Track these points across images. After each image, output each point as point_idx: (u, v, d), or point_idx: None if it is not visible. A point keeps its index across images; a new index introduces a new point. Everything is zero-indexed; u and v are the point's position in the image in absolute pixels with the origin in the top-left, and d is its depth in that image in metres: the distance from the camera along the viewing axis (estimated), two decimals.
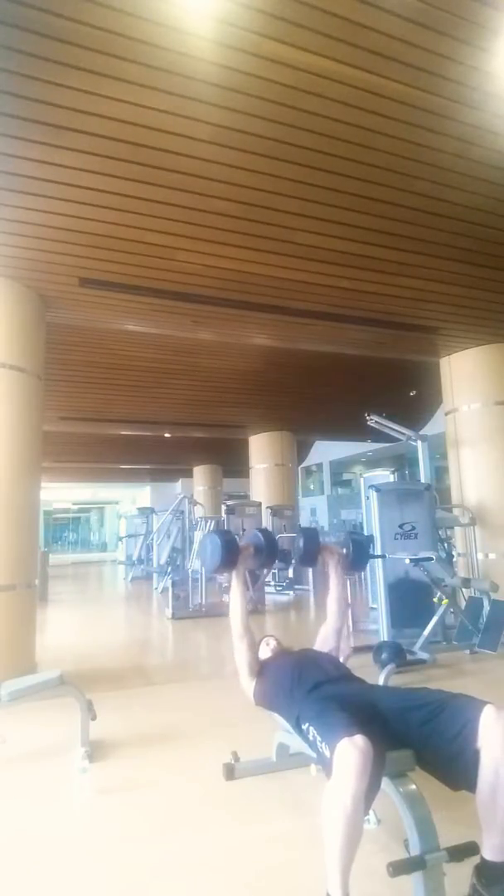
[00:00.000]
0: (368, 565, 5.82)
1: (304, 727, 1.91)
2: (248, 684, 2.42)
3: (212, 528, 8.65)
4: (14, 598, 4.18)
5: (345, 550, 2.74)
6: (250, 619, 2.54)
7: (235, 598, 2.52)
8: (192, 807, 2.36)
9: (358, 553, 2.74)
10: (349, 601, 2.83)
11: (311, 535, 2.72)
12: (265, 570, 9.28)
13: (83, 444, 12.15)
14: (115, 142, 3.02)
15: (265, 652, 2.56)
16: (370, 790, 1.55)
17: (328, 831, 1.50)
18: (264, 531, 2.74)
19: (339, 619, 2.62)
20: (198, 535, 8.99)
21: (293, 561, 9.60)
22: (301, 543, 2.67)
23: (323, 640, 2.58)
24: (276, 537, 2.80)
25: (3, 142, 2.95)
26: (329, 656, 2.40)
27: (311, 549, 2.65)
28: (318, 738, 1.74)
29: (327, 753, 1.62)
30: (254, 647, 2.48)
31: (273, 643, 2.61)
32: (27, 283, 4.38)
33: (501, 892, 1.57)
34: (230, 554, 2.49)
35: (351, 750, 1.52)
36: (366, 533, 5.62)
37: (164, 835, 2.14)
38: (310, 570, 10.16)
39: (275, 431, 11.16)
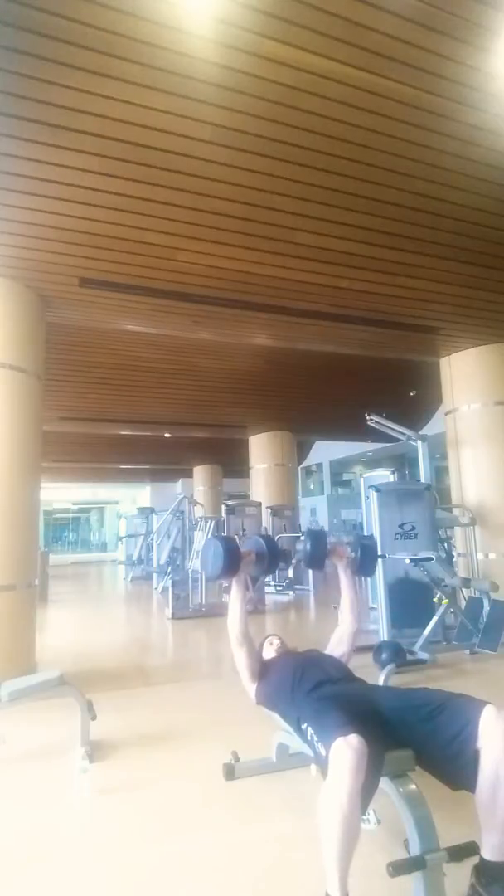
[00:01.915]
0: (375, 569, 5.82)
1: (303, 727, 1.92)
2: (250, 687, 2.42)
3: (212, 528, 8.66)
4: (14, 598, 4.18)
5: (353, 554, 2.70)
6: (249, 624, 2.48)
7: (235, 605, 2.46)
8: (192, 807, 2.36)
9: (366, 557, 2.71)
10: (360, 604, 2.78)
11: (319, 536, 2.68)
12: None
13: (83, 444, 12.15)
14: (115, 142, 3.02)
15: (269, 651, 2.56)
16: (367, 789, 1.55)
17: (325, 831, 1.51)
18: (266, 536, 2.70)
19: (353, 623, 2.58)
20: (198, 535, 8.99)
21: (294, 560, 9.58)
22: (308, 547, 2.62)
23: (336, 644, 2.56)
24: (277, 539, 2.79)
25: (3, 142, 2.95)
26: (331, 658, 2.40)
27: (318, 553, 2.61)
28: (315, 738, 1.75)
29: (323, 753, 1.62)
30: (253, 652, 2.46)
31: (277, 642, 2.60)
32: (27, 283, 4.38)
33: (501, 892, 1.57)
34: (232, 560, 2.43)
35: (345, 749, 1.52)
36: (366, 533, 5.62)
37: (164, 835, 2.14)
38: (310, 570, 10.18)
39: (275, 431, 11.15)
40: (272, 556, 2.58)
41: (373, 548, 2.81)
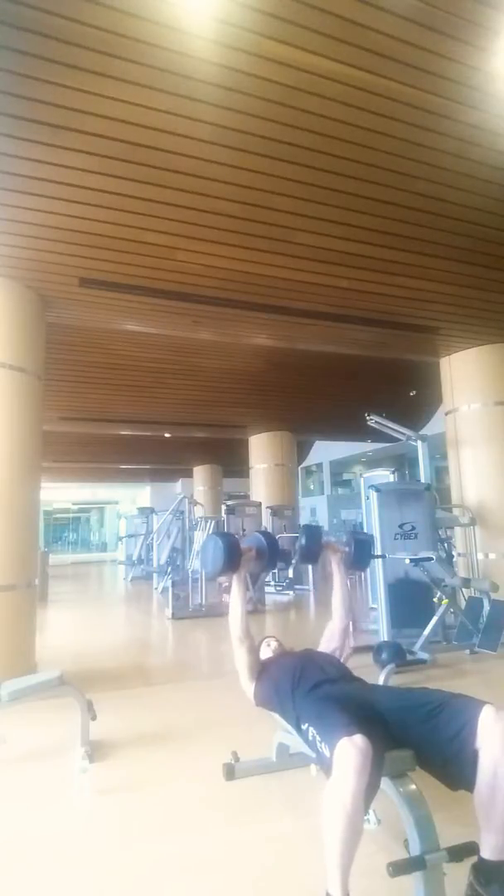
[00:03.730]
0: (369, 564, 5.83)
1: (303, 727, 1.91)
2: (248, 686, 2.42)
3: (212, 528, 8.65)
4: (14, 598, 4.18)
5: (347, 549, 2.74)
6: (250, 622, 2.48)
7: (235, 602, 2.45)
8: (192, 807, 2.36)
9: (360, 552, 2.74)
10: (352, 600, 2.81)
11: (314, 532, 2.71)
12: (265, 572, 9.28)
13: (83, 444, 12.15)
14: (115, 142, 3.02)
15: (266, 652, 2.56)
16: (369, 790, 1.55)
17: (328, 830, 1.51)
18: (265, 533, 2.71)
19: (344, 618, 2.62)
20: (198, 535, 8.99)
21: (294, 560, 9.59)
22: (303, 541, 2.65)
23: (328, 639, 2.59)
24: (277, 538, 2.79)
25: (3, 142, 2.95)
26: (330, 657, 2.40)
27: (314, 547, 2.64)
28: (318, 738, 1.75)
29: (327, 753, 1.62)
30: (254, 650, 2.46)
31: (274, 644, 2.61)
32: (27, 283, 4.38)
33: (499, 891, 1.57)
34: (232, 557, 2.42)
35: (350, 749, 1.52)
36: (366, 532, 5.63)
37: (163, 835, 2.14)
38: (310, 570, 10.17)
39: (275, 431, 11.16)
40: (272, 553, 2.57)
41: (367, 543, 2.83)
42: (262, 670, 2.41)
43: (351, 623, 2.78)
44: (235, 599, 2.46)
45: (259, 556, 2.57)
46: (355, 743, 1.53)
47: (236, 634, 2.41)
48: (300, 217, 3.75)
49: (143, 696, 4.00)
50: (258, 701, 2.38)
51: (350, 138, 3.12)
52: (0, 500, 4.16)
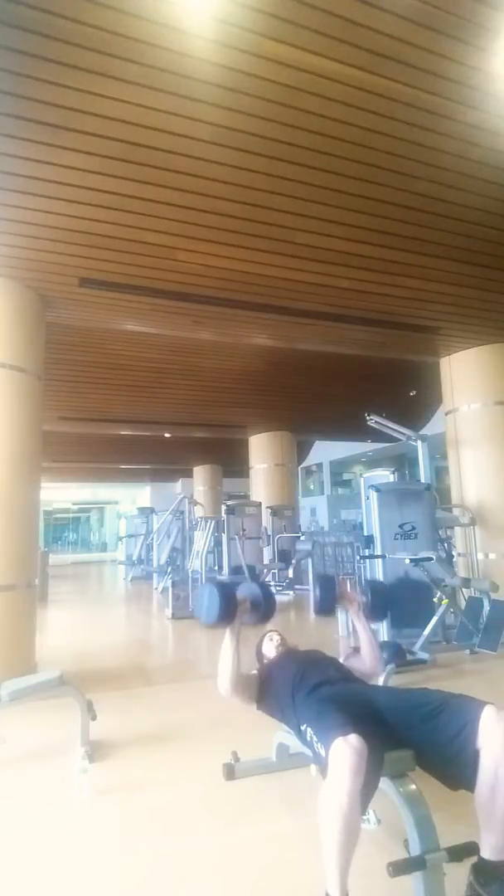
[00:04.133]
0: (368, 565, 5.83)
1: (302, 728, 1.92)
2: (250, 707, 2.38)
3: (212, 527, 8.65)
4: (14, 598, 4.18)
5: (364, 598, 2.66)
6: (240, 670, 2.33)
7: (227, 655, 2.29)
8: (192, 807, 2.36)
9: (377, 601, 2.67)
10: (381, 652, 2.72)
11: (328, 584, 2.62)
12: (265, 572, 9.27)
13: (83, 444, 12.15)
14: (115, 142, 3.02)
15: (269, 648, 2.55)
16: (367, 789, 1.55)
17: (325, 830, 1.51)
18: (262, 584, 2.59)
19: (374, 668, 2.51)
20: (198, 535, 8.99)
21: (293, 562, 9.53)
22: (317, 593, 2.59)
23: (352, 669, 2.46)
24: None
25: (3, 142, 2.95)
26: (331, 658, 2.39)
27: (328, 600, 2.57)
28: (315, 739, 1.75)
29: (323, 753, 1.62)
30: (248, 688, 2.35)
31: (277, 638, 2.58)
32: (27, 283, 4.38)
33: (499, 891, 1.57)
34: (227, 608, 2.29)
35: (345, 749, 1.52)
36: (366, 533, 5.62)
37: (163, 835, 2.14)
38: (310, 570, 10.15)
39: (275, 431, 11.16)
40: (268, 605, 2.44)
41: (382, 591, 2.77)
42: (261, 685, 2.36)
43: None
44: (227, 651, 2.30)
45: (254, 608, 2.43)
46: (350, 742, 1.54)
47: (225, 687, 2.29)
48: (300, 217, 3.75)
49: (143, 696, 4.00)
50: (260, 709, 2.37)
51: (350, 138, 3.12)
52: (0, 500, 4.17)
